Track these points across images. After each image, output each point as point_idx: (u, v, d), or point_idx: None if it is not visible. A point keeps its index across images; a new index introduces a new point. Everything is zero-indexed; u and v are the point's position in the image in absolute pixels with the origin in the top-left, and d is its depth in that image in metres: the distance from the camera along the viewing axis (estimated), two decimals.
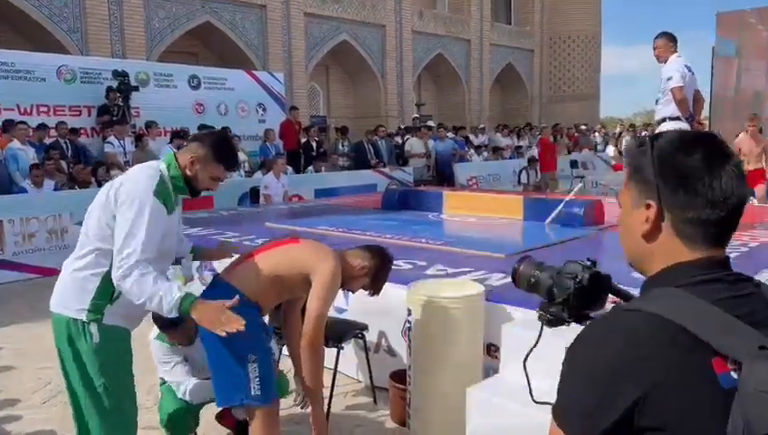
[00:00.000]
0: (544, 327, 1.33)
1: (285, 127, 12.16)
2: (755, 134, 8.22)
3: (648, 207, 1.00)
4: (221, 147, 2.48)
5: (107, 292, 2.31)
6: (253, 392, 2.40)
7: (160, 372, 3.13)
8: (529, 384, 1.39)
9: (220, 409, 2.94)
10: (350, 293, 3.01)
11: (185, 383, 3.00)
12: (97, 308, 2.31)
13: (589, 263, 1.28)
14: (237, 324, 2.16)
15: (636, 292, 1.16)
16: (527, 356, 1.32)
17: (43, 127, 9.19)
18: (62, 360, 2.41)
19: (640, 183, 1.03)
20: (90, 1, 12.04)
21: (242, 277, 2.53)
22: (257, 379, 2.40)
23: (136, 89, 10.43)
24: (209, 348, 2.46)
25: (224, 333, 2.18)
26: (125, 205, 2.24)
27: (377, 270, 2.77)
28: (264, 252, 2.63)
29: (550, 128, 15.49)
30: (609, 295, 1.30)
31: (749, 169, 7.90)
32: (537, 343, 1.33)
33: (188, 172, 2.42)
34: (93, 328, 2.31)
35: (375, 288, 2.82)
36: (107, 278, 2.28)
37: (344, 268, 2.63)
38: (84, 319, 2.31)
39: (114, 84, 10.11)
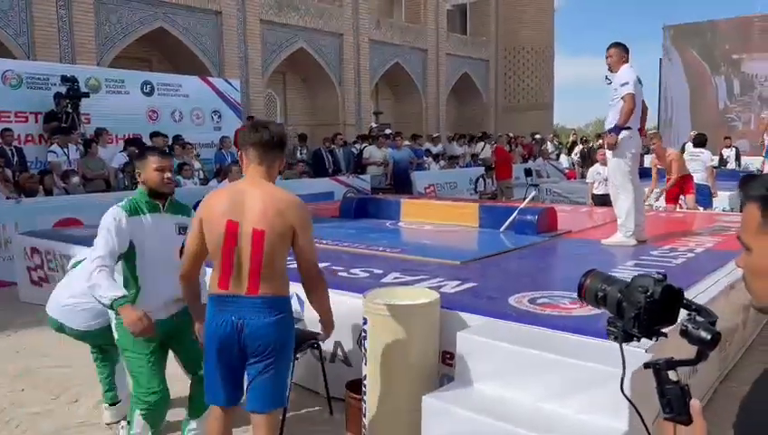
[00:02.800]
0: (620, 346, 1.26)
1: (236, 135, 12.01)
2: (659, 150, 8.52)
3: None
4: (136, 155, 3.16)
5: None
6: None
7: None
8: (640, 416, 1.32)
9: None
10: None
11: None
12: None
13: (660, 275, 1.22)
14: (149, 332, 2.76)
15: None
16: (622, 383, 1.25)
17: None
18: None
19: None
20: (37, 4, 11.67)
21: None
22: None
23: (86, 95, 10.12)
24: (275, 355, 2.51)
25: (141, 330, 2.72)
26: None
27: (241, 134, 2.76)
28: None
29: (505, 137, 15.74)
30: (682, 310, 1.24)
31: (673, 178, 8.25)
32: (624, 365, 1.25)
33: (146, 185, 2.99)
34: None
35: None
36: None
37: (270, 181, 2.59)
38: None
39: (63, 90, 9.81)
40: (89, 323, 3.52)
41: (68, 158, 9.17)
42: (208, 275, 2.67)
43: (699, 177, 8.82)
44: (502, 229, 6.22)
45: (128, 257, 2.97)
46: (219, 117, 12.68)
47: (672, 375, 1.17)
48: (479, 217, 6.68)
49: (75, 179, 8.73)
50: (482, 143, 17.02)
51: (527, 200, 7.00)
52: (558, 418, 2.60)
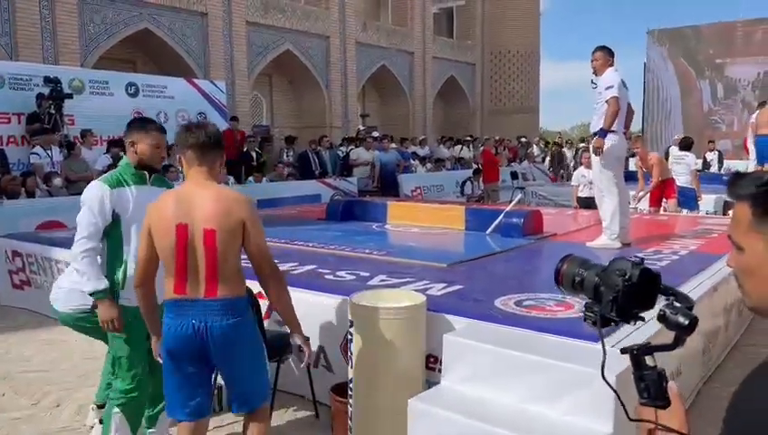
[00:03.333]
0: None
1: (225, 137, 11.92)
2: (642, 153, 8.66)
3: None
4: (135, 123, 3.13)
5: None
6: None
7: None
8: (620, 400, 1.26)
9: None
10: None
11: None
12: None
13: (638, 259, 1.21)
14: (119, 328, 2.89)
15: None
16: (603, 368, 1.22)
17: None
18: None
19: None
20: (20, 3, 11.52)
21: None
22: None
23: (69, 96, 10.02)
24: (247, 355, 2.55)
25: (110, 329, 2.88)
26: None
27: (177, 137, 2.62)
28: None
29: (492, 140, 15.77)
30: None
31: (654, 181, 8.42)
32: (604, 351, 1.21)
33: (137, 158, 3.01)
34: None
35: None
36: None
37: (214, 180, 2.59)
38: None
39: (45, 91, 9.70)
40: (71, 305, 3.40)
41: (51, 159, 9.07)
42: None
43: (684, 180, 8.91)
44: (488, 232, 6.24)
45: (113, 230, 2.95)
46: (205, 119, 12.59)
47: (649, 360, 1.18)
48: (465, 219, 6.69)
49: (57, 181, 8.63)
50: (459, 146, 17.19)
51: (513, 203, 7.03)
52: (543, 420, 2.60)
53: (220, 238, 2.42)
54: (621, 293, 1.18)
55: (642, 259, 1.22)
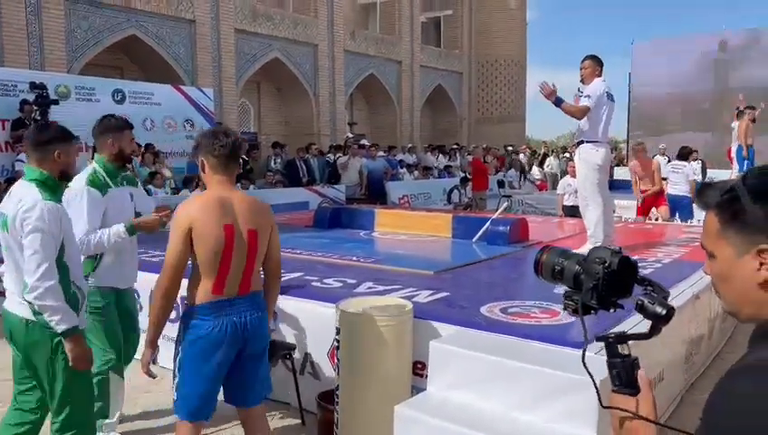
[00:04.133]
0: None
1: None
2: (646, 158, 8.93)
3: (762, 252, 0.97)
4: (109, 120, 3.34)
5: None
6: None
7: None
8: (596, 386, 1.25)
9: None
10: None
11: None
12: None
13: (617, 248, 1.24)
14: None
15: None
16: (584, 354, 1.23)
17: None
18: None
19: (743, 230, 0.98)
20: (5, 9, 11.46)
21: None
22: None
23: (55, 102, 9.95)
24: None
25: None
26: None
27: (204, 142, 2.64)
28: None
29: (480, 148, 15.81)
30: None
31: (646, 189, 8.73)
32: (586, 337, 1.22)
33: (114, 153, 3.27)
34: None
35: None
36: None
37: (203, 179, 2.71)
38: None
39: (31, 97, 9.63)
40: None
41: None
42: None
43: (681, 189, 8.95)
44: (474, 240, 6.27)
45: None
46: (192, 125, 12.57)
47: (622, 349, 1.20)
48: (452, 227, 6.72)
49: None
50: (445, 156, 17.31)
51: (499, 211, 7.07)
52: (528, 426, 2.62)
53: (260, 238, 2.61)
54: (602, 280, 1.20)
55: (620, 248, 1.24)
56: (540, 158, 19.85)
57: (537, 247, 5.86)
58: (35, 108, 9.53)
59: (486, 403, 2.79)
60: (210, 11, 15.10)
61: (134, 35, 13.69)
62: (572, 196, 8.76)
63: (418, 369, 3.26)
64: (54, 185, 2.65)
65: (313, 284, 4.33)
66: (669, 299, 1.24)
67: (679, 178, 9.10)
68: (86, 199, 3.10)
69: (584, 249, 5.39)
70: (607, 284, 1.20)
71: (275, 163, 13.10)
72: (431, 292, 4.01)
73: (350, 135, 18.12)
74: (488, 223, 6.29)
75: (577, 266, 1.27)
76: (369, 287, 4.20)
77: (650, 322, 1.21)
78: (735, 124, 12.04)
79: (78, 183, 3.11)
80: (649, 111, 22.19)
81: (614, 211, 6.36)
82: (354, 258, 5.35)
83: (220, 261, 2.50)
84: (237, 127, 16.00)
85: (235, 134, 2.72)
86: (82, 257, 3.01)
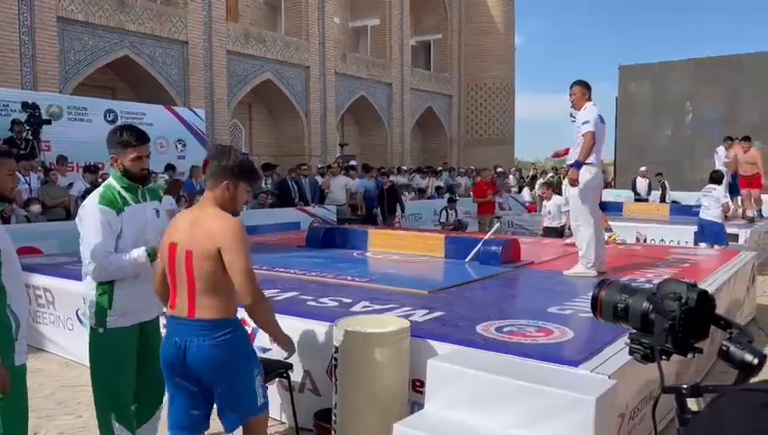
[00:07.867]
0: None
1: (204, 164, 11.95)
2: (748, 149, 11.39)
3: None
4: (116, 133, 3.00)
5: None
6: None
7: None
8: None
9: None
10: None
11: None
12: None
13: (692, 282, 1.06)
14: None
15: None
16: (655, 405, 1.12)
17: None
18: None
19: None
20: None
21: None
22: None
23: (47, 122, 9.99)
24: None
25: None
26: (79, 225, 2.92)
27: (236, 169, 2.62)
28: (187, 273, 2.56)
29: (489, 170, 14.76)
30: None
31: (746, 174, 11.20)
32: (662, 385, 1.05)
33: (123, 169, 2.96)
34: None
35: (251, 182, 2.74)
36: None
37: (222, 205, 2.57)
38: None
39: (23, 117, 9.65)
40: None
41: (29, 186, 9.00)
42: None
43: (712, 213, 8.71)
44: (467, 260, 6.32)
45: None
46: (184, 146, 12.62)
47: (692, 404, 1.02)
48: (445, 247, 6.77)
49: (36, 208, 8.55)
50: (431, 178, 17.38)
51: (491, 232, 7.12)
52: None
53: (195, 260, 2.50)
54: (678, 320, 1.03)
55: (695, 282, 1.07)
56: (529, 179, 20.03)
57: (529, 268, 5.91)
58: (27, 127, 9.54)
59: (484, 421, 2.81)
60: (203, 33, 15.24)
61: (127, 56, 13.78)
62: (547, 217, 9.45)
63: (417, 386, 3.28)
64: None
65: (309, 303, 4.35)
66: None
67: (711, 202, 8.80)
68: (97, 219, 2.88)
69: (576, 269, 5.51)
70: (684, 324, 1.03)
71: (266, 184, 13.13)
72: (426, 311, 4.04)
73: (340, 155, 18.23)
74: (480, 243, 6.34)
75: (645, 304, 1.09)
76: (365, 306, 4.22)
77: (737, 371, 1.01)
78: (722, 150, 12.19)
79: (91, 200, 2.95)
80: (636, 134, 22.48)
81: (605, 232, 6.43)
82: (349, 278, 5.37)
83: (169, 279, 2.61)
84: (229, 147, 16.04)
85: (225, 154, 2.64)
86: (93, 288, 2.94)
